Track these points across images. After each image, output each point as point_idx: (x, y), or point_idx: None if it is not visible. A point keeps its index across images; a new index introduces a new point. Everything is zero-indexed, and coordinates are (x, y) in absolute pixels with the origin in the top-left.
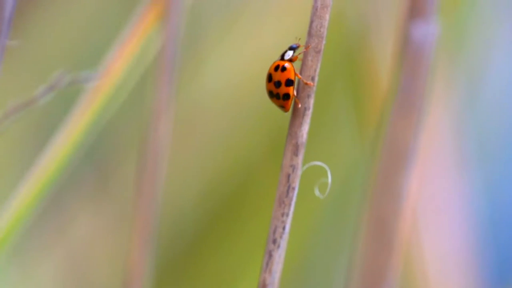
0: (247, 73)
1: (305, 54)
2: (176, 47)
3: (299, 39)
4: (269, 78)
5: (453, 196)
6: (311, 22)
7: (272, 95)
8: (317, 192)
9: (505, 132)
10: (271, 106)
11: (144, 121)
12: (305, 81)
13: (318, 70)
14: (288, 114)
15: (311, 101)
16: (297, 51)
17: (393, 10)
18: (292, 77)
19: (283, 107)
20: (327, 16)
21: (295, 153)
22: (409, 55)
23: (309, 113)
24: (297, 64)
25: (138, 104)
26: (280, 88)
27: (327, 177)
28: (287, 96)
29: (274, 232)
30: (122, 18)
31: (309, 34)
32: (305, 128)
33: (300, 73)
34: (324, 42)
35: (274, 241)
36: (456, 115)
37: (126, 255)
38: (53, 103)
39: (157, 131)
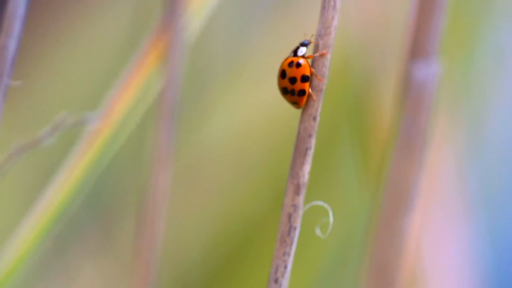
0: (252, 122)
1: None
2: (176, 89)
3: (312, 35)
4: (283, 74)
5: (456, 238)
6: (313, 61)
7: (287, 91)
8: (318, 232)
9: (509, 174)
10: (276, 154)
11: (145, 166)
12: (319, 77)
13: (320, 109)
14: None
15: (313, 141)
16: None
17: (397, 51)
18: (307, 73)
19: (297, 104)
20: (329, 56)
21: (297, 192)
22: (411, 95)
23: (310, 153)
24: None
25: (140, 146)
26: (295, 84)
27: (328, 217)
28: (302, 92)
29: (276, 271)
30: (124, 59)
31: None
32: (306, 168)
33: (302, 112)
34: (326, 81)
35: (276, 281)
36: (460, 157)
37: None
38: (53, 144)
39: (157, 176)
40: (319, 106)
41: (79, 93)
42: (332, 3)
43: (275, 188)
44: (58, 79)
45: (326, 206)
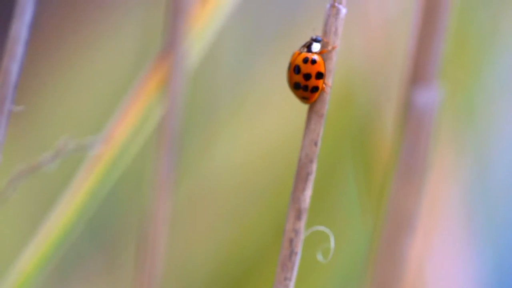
0: (255, 150)
1: (308, 118)
2: (178, 116)
3: (326, 33)
4: (297, 69)
5: (459, 263)
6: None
7: (299, 86)
8: (320, 257)
9: None
10: (279, 182)
11: (146, 192)
12: (326, 82)
13: (321, 134)
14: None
15: (314, 166)
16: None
17: (400, 78)
18: (322, 70)
19: (307, 99)
20: (331, 81)
21: (298, 217)
22: (411, 120)
23: (311, 178)
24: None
25: (141, 172)
26: (309, 80)
27: (330, 242)
28: (316, 89)
29: None
30: (126, 85)
31: None
32: (307, 193)
33: (303, 137)
34: (327, 106)
35: None
36: (463, 182)
37: None
38: (54, 169)
39: (158, 203)
40: (320, 131)
41: (81, 119)
42: (333, 29)
43: (278, 215)
44: (61, 104)
45: (327, 231)
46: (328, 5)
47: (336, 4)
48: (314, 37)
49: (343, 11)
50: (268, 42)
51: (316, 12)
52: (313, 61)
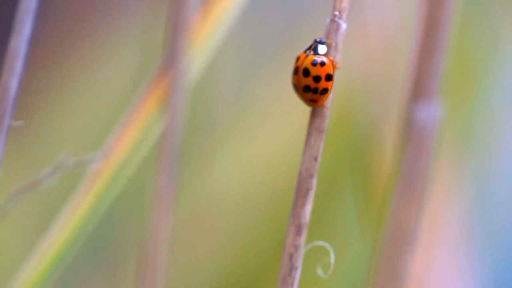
0: (255, 165)
1: (308, 134)
2: (178, 131)
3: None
4: (306, 72)
5: (459, 279)
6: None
7: (309, 89)
8: (320, 272)
9: None
10: (280, 197)
11: (146, 208)
12: (338, 66)
13: (321, 150)
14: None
15: (314, 181)
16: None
17: (400, 93)
18: (332, 72)
19: (315, 101)
20: (331, 95)
21: (298, 233)
22: (412, 136)
23: (312, 193)
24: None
25: (141, 188)
26: (320, 82)
27: (330, 257)
28: (325, 91)
29: None
30: (126, 100)
31: (313, 113)
32: (308, 208)
33: (303, 153)
34: (327, 121)
35: None
36: (463, 198)
37: None
38: (54, 185)
39: (158, 219)
40: (320, 146)
41: (81, 134)
42: (333, 44)
43: (278, 230)
44: (60, 120)
45: (327, 246)
46: (328, 20)
47: (337, 19)
48: (318, 39)
49: (344, 26)
50: (268, 58)
51: (316, 27)
52: (322, 63)
